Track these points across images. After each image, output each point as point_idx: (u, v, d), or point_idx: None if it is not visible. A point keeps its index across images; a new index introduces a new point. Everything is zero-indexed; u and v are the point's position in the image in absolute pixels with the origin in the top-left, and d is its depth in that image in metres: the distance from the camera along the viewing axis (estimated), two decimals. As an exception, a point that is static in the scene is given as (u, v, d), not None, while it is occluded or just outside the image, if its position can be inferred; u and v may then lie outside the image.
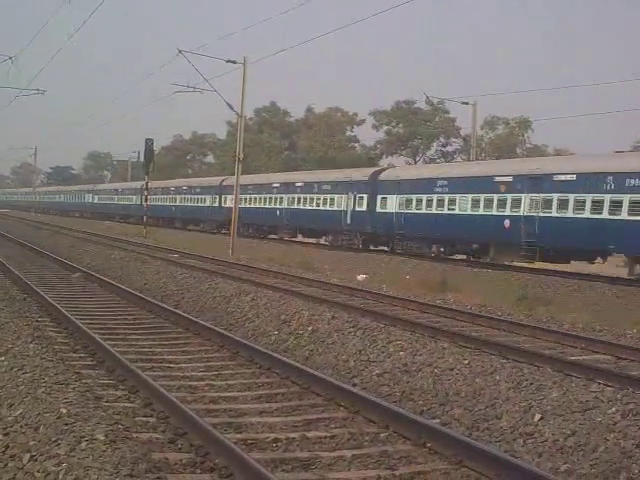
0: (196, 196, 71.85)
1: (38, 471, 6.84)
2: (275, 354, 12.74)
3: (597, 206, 30.16)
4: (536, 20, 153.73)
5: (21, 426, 8.13)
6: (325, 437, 8.67)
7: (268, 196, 57.90)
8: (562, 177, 32.32)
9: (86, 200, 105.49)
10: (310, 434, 8.73)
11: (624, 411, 9.25)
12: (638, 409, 9.29)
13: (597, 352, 14.02)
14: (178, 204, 75.85)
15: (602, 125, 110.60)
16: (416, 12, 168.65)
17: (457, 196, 38.43)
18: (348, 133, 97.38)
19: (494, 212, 35.60)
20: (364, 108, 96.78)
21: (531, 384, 10.72)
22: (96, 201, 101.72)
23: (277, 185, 57.64)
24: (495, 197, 35.66)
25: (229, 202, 57.53)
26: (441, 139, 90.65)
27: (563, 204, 31.91)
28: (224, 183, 64.84)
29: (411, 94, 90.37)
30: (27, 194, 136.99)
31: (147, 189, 56.59)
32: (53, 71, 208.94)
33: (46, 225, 63.40)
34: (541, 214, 32.84)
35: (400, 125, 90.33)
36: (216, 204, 65.82)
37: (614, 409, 9.36)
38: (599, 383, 10.80)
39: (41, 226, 62.56)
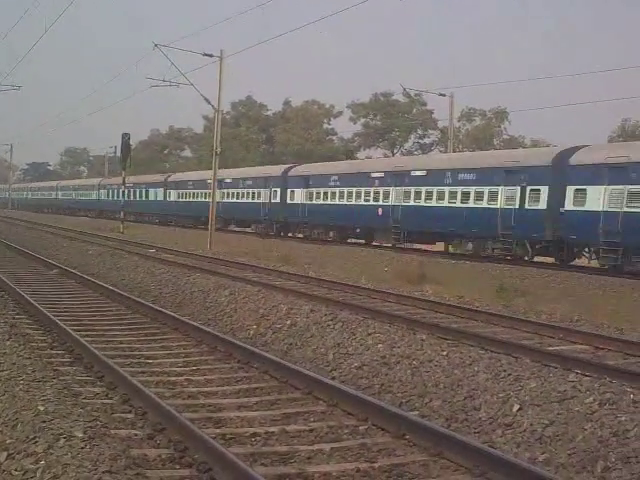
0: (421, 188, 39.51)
1: (16, 469, 6.80)
2: (253, 348, 12.71)
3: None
4: (536, 20, 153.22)
5: (-2, 424, 8.08)
6: (304, 430, 8.67)
7: None
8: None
9: (154, 197, 74.35)
10: (289, 428, 8.73)
11: (601, 400, 9.31)
12: (615, 398, 9.36)
13: (575, 342, 14.09)
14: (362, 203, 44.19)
15: (580, 116, 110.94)
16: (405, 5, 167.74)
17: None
18: (325, 126, 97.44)
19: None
20: (347, 101, 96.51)
21: (509, 375, 10.77)
22: (173, 198, 70.15)
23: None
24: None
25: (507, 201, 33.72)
26: (419, 131, 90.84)
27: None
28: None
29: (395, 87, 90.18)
30: (44, 190, 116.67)
31: (124, 183, 56.92)
32: (29, 66, 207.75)
33: (22, 222, 63.06)
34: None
35: (378, 117, 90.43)
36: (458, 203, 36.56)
37: (591, 398, 9.42)
38: (577, 373, 10.86)
39: (18, 222, 62.25)
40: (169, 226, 64.71)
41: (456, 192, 36.77)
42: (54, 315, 15.32)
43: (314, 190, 48.75)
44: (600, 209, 29.28)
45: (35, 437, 7.38)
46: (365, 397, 9.70)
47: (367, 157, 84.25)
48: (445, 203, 37.43)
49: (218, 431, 8.51)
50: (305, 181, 49.81)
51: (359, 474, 7.34)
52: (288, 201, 51.27)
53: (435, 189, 38.24)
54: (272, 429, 8.65)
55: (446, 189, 37.43)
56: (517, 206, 33.25)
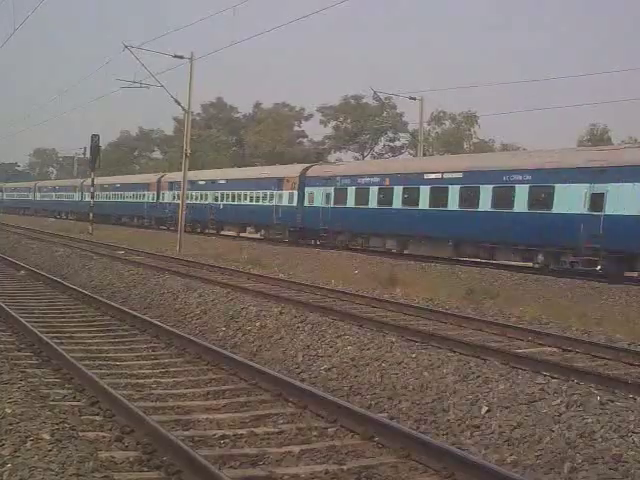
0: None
1: (-18, 472, 6.73)
2: (223, 350, 12.69)
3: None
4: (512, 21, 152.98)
5: (-36, 427, 7.99)
6: (273, 433, 8.65)
7: None
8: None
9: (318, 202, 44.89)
10: (258, 430, 8.71)
11: (569, 402, 9.38)
12: (582, 400, 9.43)
13: (543, 345, 14.21)
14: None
15: (549, 120, 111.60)
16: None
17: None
18: (296, 128, 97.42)
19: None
20: (318, 104, 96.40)
21: (478, 377, 10.81)
22: (374, 205, 40.45)
23: None
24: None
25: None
26: (389, 134, 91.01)
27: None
28: None
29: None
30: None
31: (93, 185, 56.68)
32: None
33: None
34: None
35: (348, 120, 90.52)
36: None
37: (559, 400, 9.49)
38: (545, 375, 10.95)
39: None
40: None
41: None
42: (22, 316, 15.18)
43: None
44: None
45: (1, 440, 7.30)
46: (334, 399, 9.70)
47: (337, 159, 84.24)
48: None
49: (187, 433, 8.47)
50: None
51: (328, 476, 7.34)
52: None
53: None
54: (241, 431, 8.63)
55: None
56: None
